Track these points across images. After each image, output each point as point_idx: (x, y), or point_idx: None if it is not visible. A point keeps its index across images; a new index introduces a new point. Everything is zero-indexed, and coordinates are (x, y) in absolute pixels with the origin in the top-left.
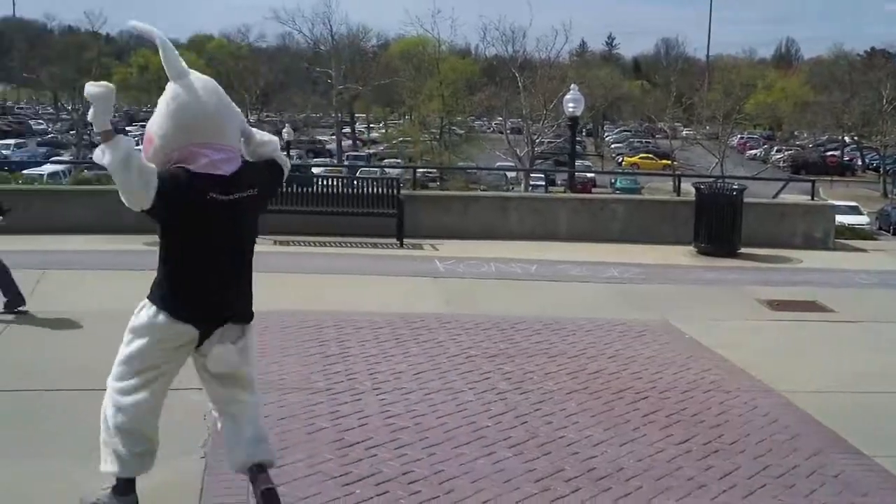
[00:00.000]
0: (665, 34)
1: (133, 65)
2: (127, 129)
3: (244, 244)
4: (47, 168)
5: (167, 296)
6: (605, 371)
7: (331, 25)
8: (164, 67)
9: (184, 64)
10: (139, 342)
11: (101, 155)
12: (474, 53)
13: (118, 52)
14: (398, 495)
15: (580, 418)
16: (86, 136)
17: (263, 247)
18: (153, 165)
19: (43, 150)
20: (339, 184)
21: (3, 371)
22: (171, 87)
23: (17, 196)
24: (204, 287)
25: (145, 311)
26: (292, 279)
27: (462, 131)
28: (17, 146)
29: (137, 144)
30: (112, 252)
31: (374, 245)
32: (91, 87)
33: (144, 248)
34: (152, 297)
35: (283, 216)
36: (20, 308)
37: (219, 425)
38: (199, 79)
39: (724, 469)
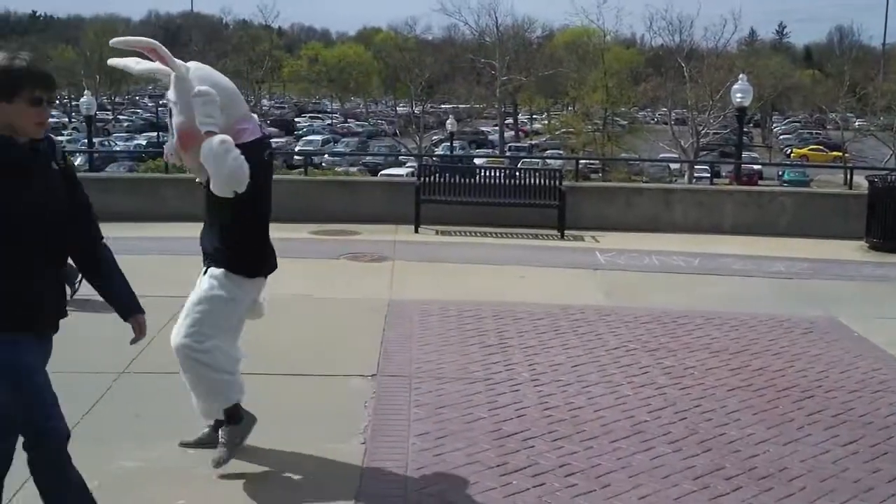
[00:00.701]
0: (839, 21)
1: (303, 57)
2: (296, 119)
3: None
4: None
5: (250, 259)
6: (769, 368)
7: (496, 17)
8: (171, 67)
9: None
10: (223, 307)
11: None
12: (639, 43)
13: (289, 45)
14: (554, 487)
15: (742, 416)
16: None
17: (425, 237)
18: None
19: None
20: (501, 175)
21: None
22: (188, 85)
23: None
24: (268, 241)
25: (228, 279)
26: (453, 269)
27: (625, 122)
28: None
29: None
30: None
31: (535, 236)
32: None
33: (308, 237)
34: (234, 265)
35: (445, 206)
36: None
37: None
38: (199, 66)
39: (893, 473)
